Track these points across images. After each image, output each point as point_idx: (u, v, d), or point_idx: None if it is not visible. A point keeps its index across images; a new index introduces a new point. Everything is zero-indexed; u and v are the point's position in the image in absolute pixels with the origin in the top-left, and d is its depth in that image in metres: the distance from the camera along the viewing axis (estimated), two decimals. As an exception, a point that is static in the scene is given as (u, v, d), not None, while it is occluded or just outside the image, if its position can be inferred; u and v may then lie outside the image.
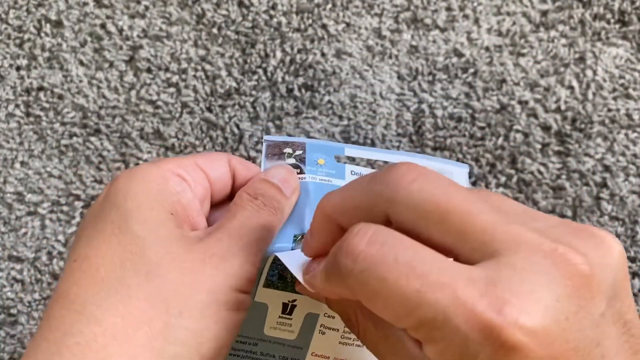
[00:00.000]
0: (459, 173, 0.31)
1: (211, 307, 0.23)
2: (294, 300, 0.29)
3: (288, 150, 0.30)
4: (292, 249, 0.27)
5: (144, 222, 0.24)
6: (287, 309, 0.29)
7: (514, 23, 0.43)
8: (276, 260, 0.27)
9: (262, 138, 0.42)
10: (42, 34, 0.43)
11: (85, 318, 0.22)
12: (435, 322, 0.17)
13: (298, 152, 0.30)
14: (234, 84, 0.43)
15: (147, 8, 0.43)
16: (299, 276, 0.23)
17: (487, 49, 0.43)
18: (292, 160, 0.30)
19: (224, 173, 0.28)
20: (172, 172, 0.26)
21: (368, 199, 0.20)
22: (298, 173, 0.30)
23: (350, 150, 0.31)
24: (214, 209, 0.29)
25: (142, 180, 0.25)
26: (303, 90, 0.43)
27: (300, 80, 0.43)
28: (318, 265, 0.22)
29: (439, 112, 0.42)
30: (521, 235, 0.18)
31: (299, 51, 0.43)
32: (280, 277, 0.28)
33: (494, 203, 0.20)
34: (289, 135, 0.42)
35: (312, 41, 0.43)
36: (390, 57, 0.43)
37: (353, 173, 0.30)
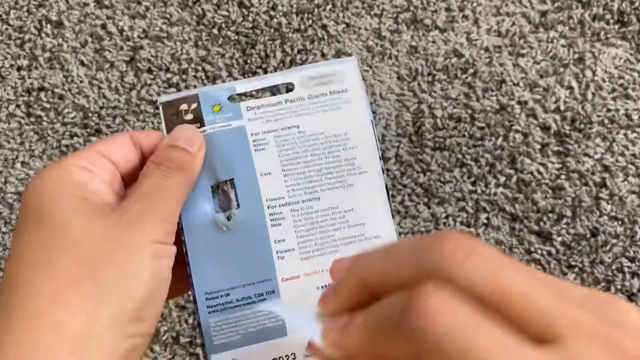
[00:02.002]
0: (349, 69, 0.31)
1: (133, 258, 0.26)
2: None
3: (184, 106, 0.31)
4: (212, 200, 0.29)
5: (60, 209, 0.27)
6: None
7: (514, 24, 0.43)
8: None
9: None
10: (43, 35, 0.43)
11: (21, 295, 0.25)
12: None
13: (194, 106, 0.31)
14: (234, 84, 0.43)
15: (147, 9, 0.43)
16: (315, 334, 0.21)
17: (486, 49, 0.43)
18: (190, 116, 0.31)
19: (127, 151, 0.30)
20: (76, 165, 0.28)
21: (414, 272, 0.19)
22: (198, 127, 0.30)
23: (241, 86, 0.32)
24: (130, 186, 0.31)
25: (49, 180, 0.27)
26: (303, 91, 0.43)
27: (300, 80, 0.43)
28: (352, 320, 0.21)
29: (438, 112, 0.42)
30: (578, 319, 0.19)
31: (299, 51, 0.43)
32: None
33: (543, 281, 0.20)
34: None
35: (312, 41, 0.43)
36: (390, 57, 0.43)
37: (249, 109, 0.31)
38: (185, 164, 0.29)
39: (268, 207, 0.30)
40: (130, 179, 0.31)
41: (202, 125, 0.30)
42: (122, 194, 0.29)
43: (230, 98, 0.31)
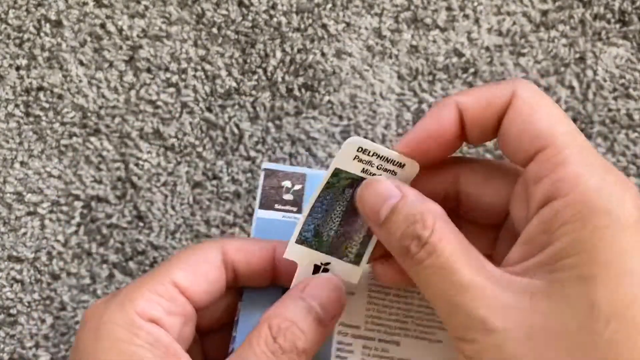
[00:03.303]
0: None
1: None
2: (327, 264, 0.27)
3: (286, 183, 0.29)
4: None
5: None
6: (319, 272, 0.27)
7: (514, 23, 0.43)
8: (313, 213, 0.26)
9: (262, 138, 0.42)
10: (42, 34, 0.43)
11: None
12: None
13: (297, 187, 0.29)
14: (234, 84, 0.43)
15: (146, 8, 0.43)
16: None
17: (487, 48, 0.43)
18: (289, 197, 0.29)
19: (213, 280, 0.26)
20: (143, 315, 0.24)
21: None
22: (295, 212, 0.29)
23: None
24: (208, 314, 0.27)
25: (108, 339, 0.23)
26: (303, 90, 0.43)
27: (300, 80, 0.43)
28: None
29: (439, 112, 0.42)
30: None
31: (299, 51, 0.43)
32: (316, 234, 0.27)
33: None
34: (289, 135, 0.42)
35: (312, 41, 0.43)
36: (390, 57, 0.43)
37: None
38: (306, 343, 0.25)
39: (338, 333, 0.27)
40: (209, 312, 0.27)
41: (299, 212, 0.29)
42: (190, 338, 0.25)
43: None
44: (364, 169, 0.26)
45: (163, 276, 0.25)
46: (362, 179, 0.27)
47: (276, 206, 0.30)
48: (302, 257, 0.27)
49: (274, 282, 0.28)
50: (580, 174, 0.23)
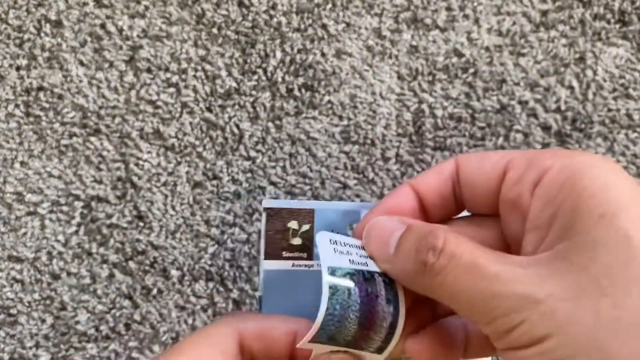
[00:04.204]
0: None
1: None
2: (346, 351, 0.25)
3: (293, 225, 0.26)
4: None
5: None
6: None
7: (514, 23, 0.43)
8: (325, 327, 0.24)
9: (262, 138, 0.42)
10: (42, 34, 0.43)
11: None
12: None
13: (305, 228, 0.26)
14: (234, 84, 0.43)
15: (147, 8, 0.43)
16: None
17: (487, 49, 0.43)
18: (297, 241, 0.26)
19: None
20: None
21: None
22: (305, 259, 0.26)
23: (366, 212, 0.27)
24: None
25: None
26: (303, 90, 0.43)
27: (300, 80, 0.43)
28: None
29: (439, 112, 0.42)
30: None
31: (299, 51, 0.43)
32: (330, 339, 0.24)
33: None
34: (289, 135, 0.42)
35: (312, 41, 0.43)
36: (390, 57, 0.43)
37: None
38: None
39: None
40: None
41: (310, 258, 0.26)
42: None
43: (349, 227, 0.26)
44: (350, 260, 0.24)
45: None
46: (358, 271, 0.24)
47: (284, 254, 0.27)
48: (318, 349, 0.25)
49: None
50: (553, 153, 0.25)
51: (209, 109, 0.43)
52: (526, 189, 0.25)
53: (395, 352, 0.25)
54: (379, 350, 0.25)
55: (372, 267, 0.25)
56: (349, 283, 0.24)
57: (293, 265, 0.26)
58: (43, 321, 0.41)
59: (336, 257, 0.24)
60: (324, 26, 0.43)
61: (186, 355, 0.23)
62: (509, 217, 0.26)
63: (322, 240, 0.24)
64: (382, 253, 0.25)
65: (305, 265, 0.26)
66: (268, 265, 0.26)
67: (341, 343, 0.25)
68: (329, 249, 0.24)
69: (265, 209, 0.26)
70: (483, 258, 0.23)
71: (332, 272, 0.24)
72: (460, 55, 0.43)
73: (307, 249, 0.26)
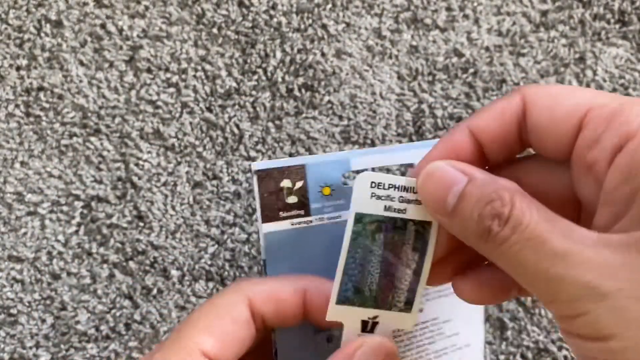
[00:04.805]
0: None
1: None
2: (375, 317, 0.25)
3: (286, 183, 0.25)
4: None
5: None
6: (368, 328, 0.25)
7: (514, 23, 0.43)
8: (348, 271, 0.24)
9: (262, 138, 0.42)
10: (42, 34, 0.43)
11: None
12: None
13: (299, 185, 0.26)
14: (234, 84, 0.43)
15: (147, 8, 0.43)
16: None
17: (487, 49, 0.43)
18: (293, 199, 0.26)
19: (242, 339, 0.24)
20: None
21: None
22: (303, 215, 0.26)
23: (357, 161, 0.27)
24: None
25: None
26: (303, 90, 0.43)
27: (300, 80, 0.43)
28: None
29: (439, 112, 0.42)
30: None
31: (299, 51, 0.43)
32: (356, 291, 0.24)
33: None
34: (289, 135, 0.42)
35: (312, 41, 0.43)
36: (390, 57, 0.43)
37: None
38: None
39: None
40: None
41: (307, 214, 0.26)
42: None
43: (343, 177, 0.26)
44: (386, 206, 0.24)
45: (190, 346, 0.23)
46: (389, 219, 0.24)
47: (281, 214, 0.26)
48: (346, 316, 0.25)
49: (305, 320, 0.26)
50: None
51: (209, 109, 0.43)
52: (604, 156, 0.21)
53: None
54: (407, 305, 0.25)
55: (410, 214, 0.24)
56: (374, 228, 0.24)
57: (292, 225, 0.26)
58: (43, 321, 0.41)
59: (370, 202, 0.24)
60: (324, 26, 0.43)
61: (197, 328, 0.23)
62: (582, 180, 0.23)
63: (361, 183, 0.24)
64: (440, 208, 0.23)
65: (305, 222, 0.25)
66: (267, 228, 0.26)
67: (368, 299, 0.25)
68: (365, 193, 0.24)
69: (256, 172, 0.25)
70: (549, 231, 0.21)
71: (360, 218, 0.24)
72: (460, 55, 0.43)
73: (304, 206, 0.25)
